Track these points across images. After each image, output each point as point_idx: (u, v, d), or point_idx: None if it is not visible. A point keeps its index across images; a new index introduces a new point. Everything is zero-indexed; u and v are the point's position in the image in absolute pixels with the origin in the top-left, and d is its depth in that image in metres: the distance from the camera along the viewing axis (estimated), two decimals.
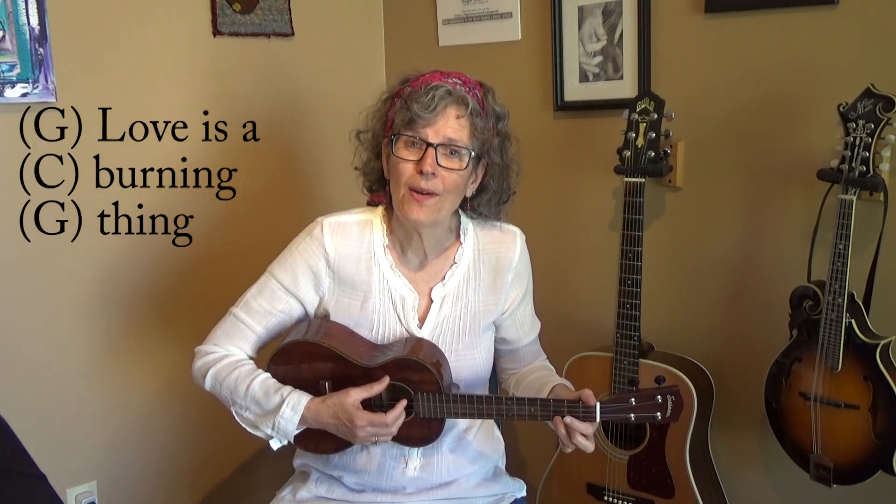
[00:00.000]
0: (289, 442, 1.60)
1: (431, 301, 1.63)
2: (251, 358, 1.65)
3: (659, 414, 1.46)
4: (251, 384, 1.56)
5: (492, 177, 1.61)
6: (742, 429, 2.10)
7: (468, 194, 1.60)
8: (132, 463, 2.35)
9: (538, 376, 1.73)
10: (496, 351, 1.76)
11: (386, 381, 1.53)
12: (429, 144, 1.50)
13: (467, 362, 1.65)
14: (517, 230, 1.70)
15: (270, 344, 1.67)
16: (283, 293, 1.62)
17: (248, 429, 1.60)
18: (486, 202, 1.63)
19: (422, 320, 1.63)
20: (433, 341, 1.62)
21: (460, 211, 1.66)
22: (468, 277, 1.65)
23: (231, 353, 1.63)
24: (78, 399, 2.23)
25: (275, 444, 1.59)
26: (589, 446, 1.49)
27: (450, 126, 1.50)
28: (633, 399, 1.46)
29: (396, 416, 1.52)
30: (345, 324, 1.62)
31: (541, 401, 1.51)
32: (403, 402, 1.53)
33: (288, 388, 1.56)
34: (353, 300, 1.62)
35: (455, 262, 1.65)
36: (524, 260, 1.71)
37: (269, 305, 1.62)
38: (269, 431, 1.57)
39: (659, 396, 1.45)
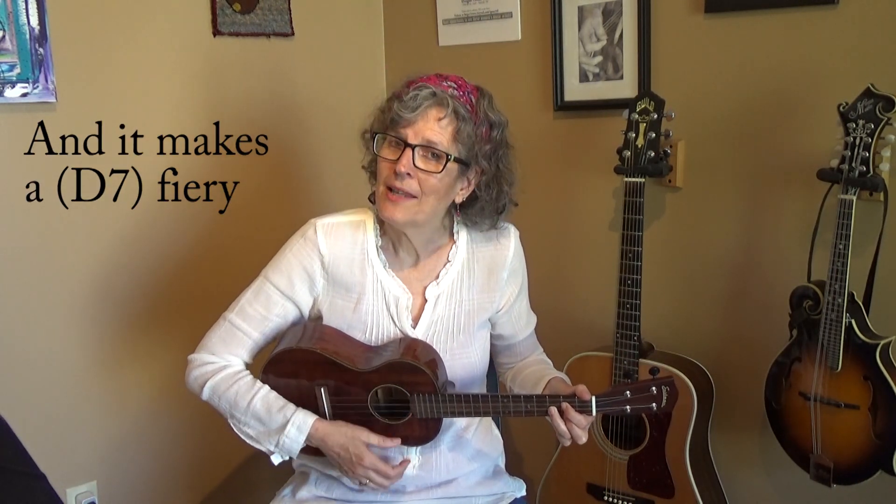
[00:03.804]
0: (290, 457, 1.61)
1: (425, 300, 1.63)
2: (248, 364, 1.63)
3: (654, 404, 1.48)
4: (252, 400, 1.56)
5: (484, 186, 1.57)
6: (742, 429, 2.10)
7: (458, 200, 1.58)
8: (132, 463, 2.35)
9: (535, 370, 1.73)
10: (493, 346, 1.76)
11: (398, 441, 1.56)
12: (407, 144, 1.49)
13: (462, 361, 1.64)
14: (511, 226, 1.70)
15: (266, 348, 1.66)
16: (279, 297, 1.60)
17: (248, 441, 1.60)
18: (477, 211, 1.60)
19: (416, 320, 1.62)
20: (427, 341, 1.61)
21: (453, 212, 1.66)
22: (462, 276, 1.65)
23: (229, 362, 1.61)
24: (78, 399, 2.23)
25: (276, 460, 1.60)
26: (582, 437, 1.50)
27: (430, 128, 1.48)
28: (628, 392, 1.48)
29: (399, 473, 1.57)
30: (338, 326, 1.61)
31: (536, 397, 1.52)
32: (408, 462, 1.59)
33: (291, 408, 1.56)
34: (346, 302, 1.61)
35: (449, 261, 1.64)
36: (518, 256, 1.70)
37: (266, 310, 1.61)
38: (272, 448, 1.57)
39: (654, 388, 1.47)
